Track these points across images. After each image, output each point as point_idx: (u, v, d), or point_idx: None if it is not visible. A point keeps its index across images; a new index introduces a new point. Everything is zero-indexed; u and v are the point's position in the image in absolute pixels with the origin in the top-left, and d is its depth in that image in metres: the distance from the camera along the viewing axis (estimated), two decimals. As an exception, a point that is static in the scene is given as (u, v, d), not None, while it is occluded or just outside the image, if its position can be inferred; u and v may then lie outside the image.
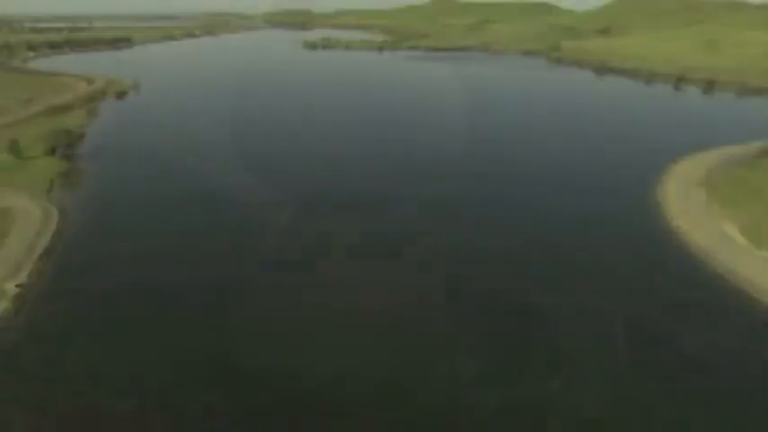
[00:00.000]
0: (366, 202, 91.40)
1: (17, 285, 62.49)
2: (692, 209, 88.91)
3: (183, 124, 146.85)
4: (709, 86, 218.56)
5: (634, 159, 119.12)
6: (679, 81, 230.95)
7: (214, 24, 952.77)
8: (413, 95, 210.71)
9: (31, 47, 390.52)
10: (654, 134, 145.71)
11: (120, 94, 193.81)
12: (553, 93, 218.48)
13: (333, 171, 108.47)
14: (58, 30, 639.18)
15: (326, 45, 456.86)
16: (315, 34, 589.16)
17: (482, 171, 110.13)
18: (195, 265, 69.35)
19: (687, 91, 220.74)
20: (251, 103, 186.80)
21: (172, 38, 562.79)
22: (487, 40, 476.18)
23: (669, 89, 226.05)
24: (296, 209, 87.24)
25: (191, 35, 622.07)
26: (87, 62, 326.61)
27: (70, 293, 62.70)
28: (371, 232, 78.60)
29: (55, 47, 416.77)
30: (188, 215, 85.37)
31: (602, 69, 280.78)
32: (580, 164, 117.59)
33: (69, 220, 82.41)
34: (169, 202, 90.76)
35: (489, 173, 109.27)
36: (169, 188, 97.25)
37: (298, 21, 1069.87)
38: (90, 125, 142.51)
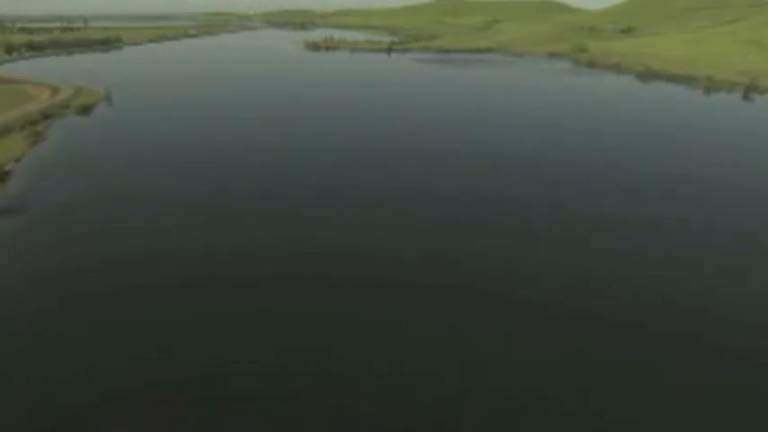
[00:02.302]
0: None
1: None
2: None
3: (153, 159, 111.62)
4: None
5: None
6: (750, 90, 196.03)
7: (213, 24, 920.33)
8: (469, 120, 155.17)
9: (10, 48, 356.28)
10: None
11: (85, 109, 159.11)
12: (635, 105, 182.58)
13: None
14: (49, 30, 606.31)
15: (330, 46, 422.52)
16: (316, 34, 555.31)
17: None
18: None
19: (758, 101, 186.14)
20: (248, 127, 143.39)
21: (166, 38, 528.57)
22: (503, 40, 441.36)
23: (734, 98, 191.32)
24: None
25: (187, 35, 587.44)
26: (67, 65, 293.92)
27: None
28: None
29: (36, 48, 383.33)
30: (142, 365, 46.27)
31: (647, 75, 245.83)
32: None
33: None
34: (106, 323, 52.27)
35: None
36: (109, 288, 58.67)
37: (298, 20, 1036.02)
38: (26, 158, 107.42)
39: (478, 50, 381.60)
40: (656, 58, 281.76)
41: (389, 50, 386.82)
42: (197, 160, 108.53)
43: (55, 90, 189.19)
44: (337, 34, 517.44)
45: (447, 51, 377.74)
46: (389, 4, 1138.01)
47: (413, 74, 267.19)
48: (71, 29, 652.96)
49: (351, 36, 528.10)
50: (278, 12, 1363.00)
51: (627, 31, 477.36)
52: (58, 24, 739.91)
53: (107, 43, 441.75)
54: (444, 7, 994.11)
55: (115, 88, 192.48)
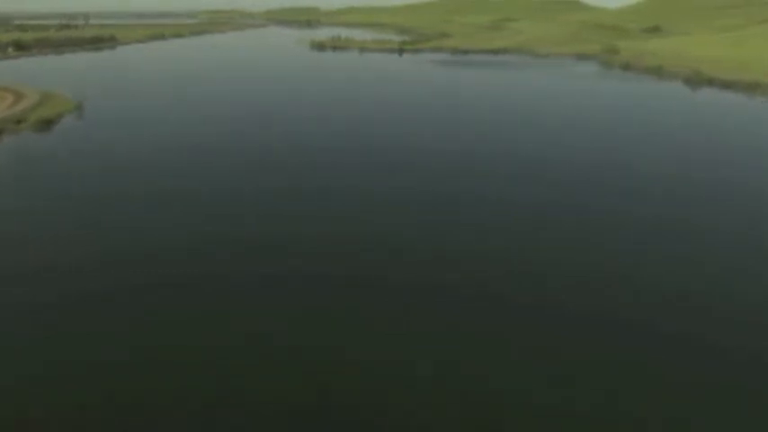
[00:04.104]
0: None
1: None
2: None
3: (116, 203, 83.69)
4: None
5: None
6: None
7: (215, 22, 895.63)
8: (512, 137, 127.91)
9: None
10: None
11: (46, 123, 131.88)
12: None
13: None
14: (46, 28, 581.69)
15: (337, 46, 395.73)
16: (322, 33, 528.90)
17: None
18: None
19: None
20: (246, 154, 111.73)
21: (163, 37, 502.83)
22: (521, 40, 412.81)
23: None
24: None
25: (182, 35, 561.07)
26: (52, 66, 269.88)
27: None
28: None
29: (24, 47, 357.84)
30: None
31: (697, 80, 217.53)
32: None
33: None
34: None
35: None
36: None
37: (303, 18, 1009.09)
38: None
39: (497, 51, 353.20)
40: (700, 61, 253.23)
41: (401, 51, 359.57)
42: (184, 209, 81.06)
43: (19, 97, 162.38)
44: (344, 33, 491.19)
45: (464, 52, 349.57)
46: (393, 2, 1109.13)
47: (435, 79, 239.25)
48: (68, 27, 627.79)
49: (358, 35, 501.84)
50: (282, 9, 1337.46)
51: (653, 31, 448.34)
52: (57, 22, 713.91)
53: (100, 42, 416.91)
54: (448, 6, 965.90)
55: (94, 93, 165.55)
